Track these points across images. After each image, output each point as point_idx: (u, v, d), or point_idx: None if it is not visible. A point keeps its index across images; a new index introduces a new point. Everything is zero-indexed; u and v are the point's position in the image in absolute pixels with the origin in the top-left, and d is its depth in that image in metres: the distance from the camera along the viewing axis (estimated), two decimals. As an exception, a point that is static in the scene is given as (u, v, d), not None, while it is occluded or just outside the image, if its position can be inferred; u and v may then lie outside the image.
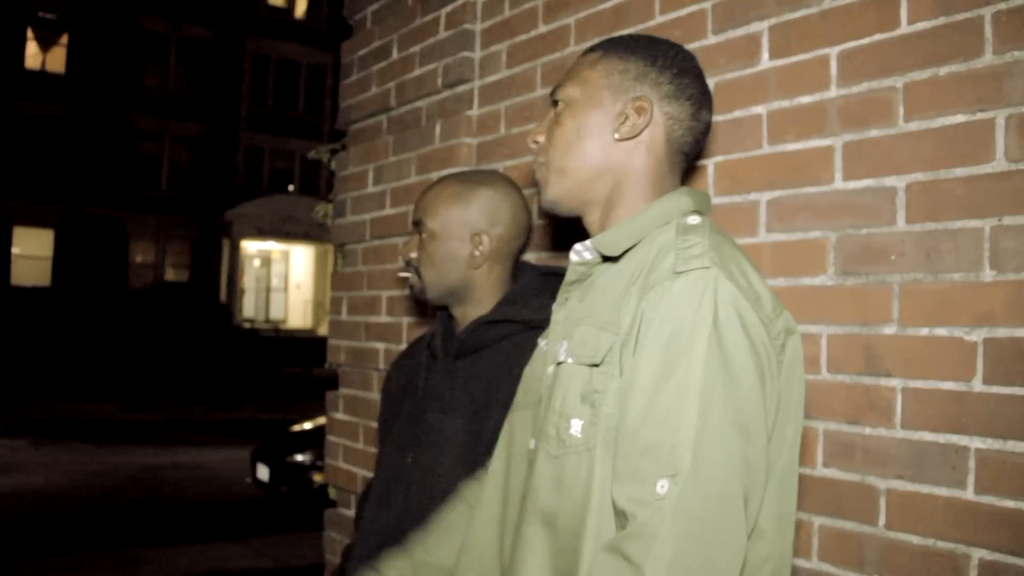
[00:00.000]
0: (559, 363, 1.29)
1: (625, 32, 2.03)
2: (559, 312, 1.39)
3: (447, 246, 1.81)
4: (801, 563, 1.63)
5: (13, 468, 9.88)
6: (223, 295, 27.02)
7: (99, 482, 9.38)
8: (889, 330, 1.55)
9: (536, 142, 1.43)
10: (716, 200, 1.85)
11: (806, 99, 1.70)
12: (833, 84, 1.66)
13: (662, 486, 1.04)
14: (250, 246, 27.78)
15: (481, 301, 1.83)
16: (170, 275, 26.82)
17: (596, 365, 1.20)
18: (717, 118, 1.85)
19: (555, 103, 1.41)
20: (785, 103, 1.74)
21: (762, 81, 1.78)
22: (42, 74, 25.00)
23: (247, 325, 26.99)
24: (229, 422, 14.56)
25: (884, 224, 1.56)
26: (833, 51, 1.66)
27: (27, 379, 17.89)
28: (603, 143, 1.33)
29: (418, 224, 1.85)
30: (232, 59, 27.59)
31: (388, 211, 2.88)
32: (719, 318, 1.10)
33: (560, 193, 1.38)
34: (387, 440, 1.95)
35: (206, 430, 13.94)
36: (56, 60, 25.32)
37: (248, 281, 28.14)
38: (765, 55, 1.78)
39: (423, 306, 2.66)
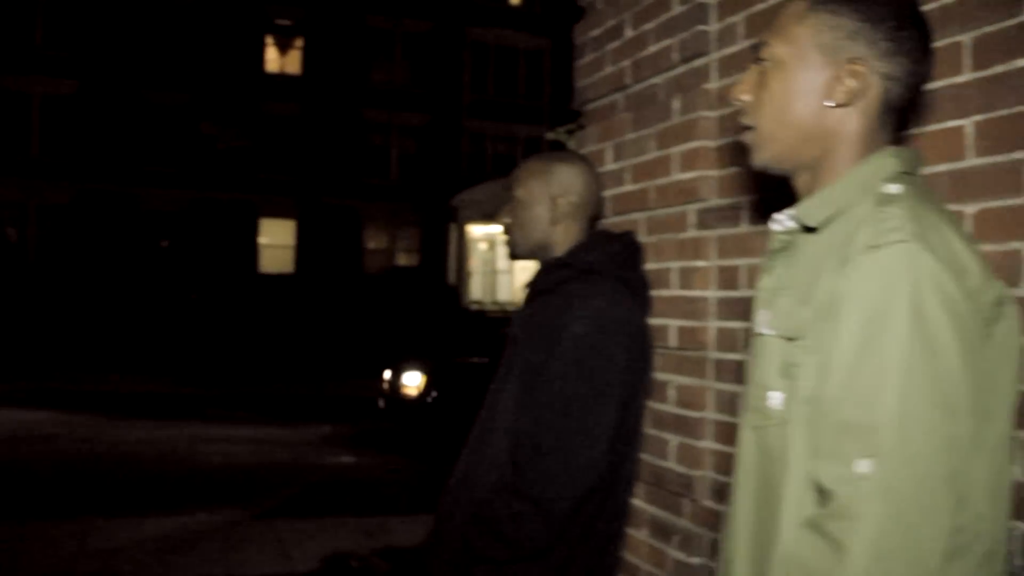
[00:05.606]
0: (759, 335, 1.31)
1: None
2: (765, 280, 1.37)
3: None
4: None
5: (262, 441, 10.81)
6: (451, 278, 28.06)
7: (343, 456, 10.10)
8: None
9: (740, 100, 1.37)
10: (976, 161, 1.78)
11: (1079, 48, 1.60)
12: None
13: (865, 466, 1.05)
14: (476, 230, 28.63)
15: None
16: (401, 260, 28.22)
17: (794, 339, 1.20)
18: (975, 75, 1.78)
19: (759, 59, 1.35)
20: (1054, 54, 1.64)
21: (1027, 33, 1.69)
22: (281, 76, 26.89)
23: (475, 307, 27.90)
24: (462, 399, 15.15)
25: None
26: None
27: (276, 360, 19.34)
28: (813, 108, 1.27)
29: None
30: (453, 49, 28.56)
31: (628, 187, 2.94)
32: (918, 294, 1.06)
33: (769, 159, 1.34)
34: None
35: (441, 407, 14.62)
36: (292, 62, 27.15)
37: (475, 264, 29.01)
38: (1030, 6, 1.69)
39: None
